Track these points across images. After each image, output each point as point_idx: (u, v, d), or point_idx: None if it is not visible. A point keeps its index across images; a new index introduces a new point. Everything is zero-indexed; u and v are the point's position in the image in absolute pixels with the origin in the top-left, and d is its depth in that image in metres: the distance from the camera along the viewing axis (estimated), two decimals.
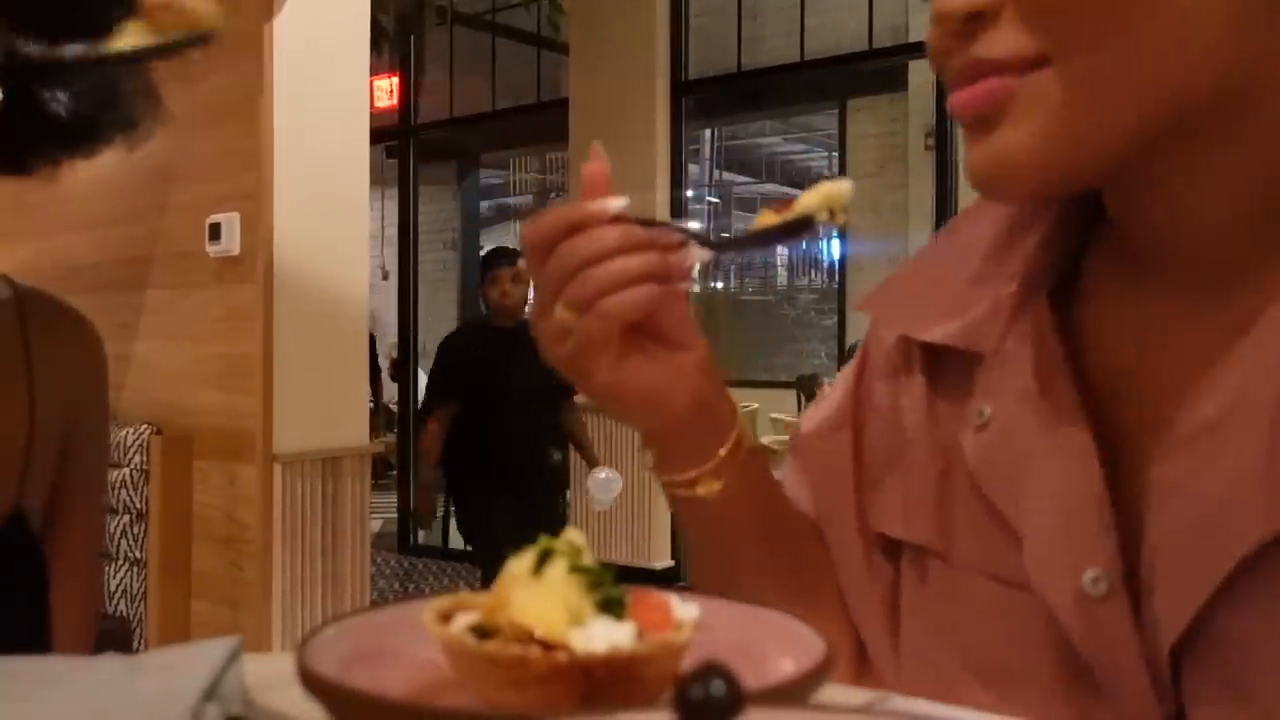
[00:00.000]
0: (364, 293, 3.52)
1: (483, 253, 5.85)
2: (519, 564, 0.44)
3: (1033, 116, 0.55)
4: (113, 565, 3.37)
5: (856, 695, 0.55)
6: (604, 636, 0.42)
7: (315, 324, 3.31)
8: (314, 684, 0.42)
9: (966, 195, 0.87)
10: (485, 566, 4.63)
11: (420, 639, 0.46)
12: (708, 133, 10.58)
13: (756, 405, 5.61)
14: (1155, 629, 0.55)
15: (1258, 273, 0.57)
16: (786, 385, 8.77)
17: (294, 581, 3.25)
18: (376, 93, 7.28)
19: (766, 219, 0.64)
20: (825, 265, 11.01)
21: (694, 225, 0.68)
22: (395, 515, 7.73)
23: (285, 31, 3.22)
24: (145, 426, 3.37)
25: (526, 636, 0.42)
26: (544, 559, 0.44)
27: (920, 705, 0.55)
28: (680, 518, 0.74)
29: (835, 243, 9.94)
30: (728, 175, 11.99)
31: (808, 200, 0.63)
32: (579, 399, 4.17)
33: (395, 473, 7.72)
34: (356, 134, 3.46)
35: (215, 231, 3.29)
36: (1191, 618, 0.53)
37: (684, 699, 0.28)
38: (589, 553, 0.45)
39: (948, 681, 0.65)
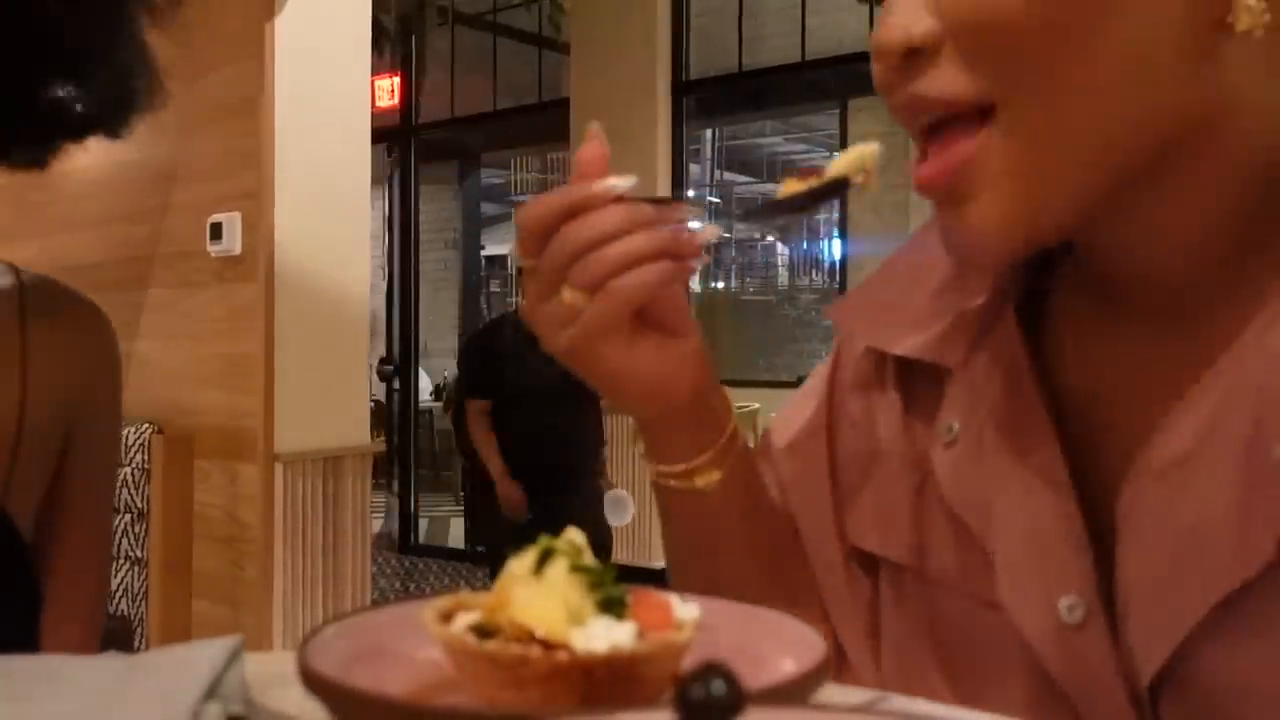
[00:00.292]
0: (365, 293, 3.52)
1: (484, 253, 5.83)
2: (520, 563, 0.44)
3: (996, 185, 0.55)
4: (114, 564, 3.37)
5: (856, 695, 0.55)
6: (604, 636, 0.42)
7: (316, 323, 3.31)
8: (315, 683, 0.42)
9: None
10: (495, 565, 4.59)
11: (421, 638, 0.46)
12: (708, 133, 10.56)
13: (757, 405, 5.59)
14: (1132, 659, 0.55)
15: (1224, 304, 0.56)
16: (787, 385, 8.74)
17: (295, 581, 3.26)
18: (378, 92, 7.27)
19: (793, 186, 0.64)
20: (826, 265, 10.99)
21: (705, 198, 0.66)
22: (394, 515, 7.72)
23: (286, 31, 3.22)
24: (146, 426, 3.37)
25: (527, 636, 0.42)
26: (545, 558, 0.44)
27: (920, 705, 0.55)
28: (665, 511, 0.72)
29: (836, 243, 9.93)
30: (728, 175, 11.97)
31: (840, 164, 0.63)
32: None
33: (396, 471, 7.70)
34: (358, 134, 3.46)
35: (216, 231, 3.29)
36: (1169, 655, 0.53)
37: (684, 699, 0.28)
38: (589, 552, 0.45)
39: (927, 694, 0.64)
